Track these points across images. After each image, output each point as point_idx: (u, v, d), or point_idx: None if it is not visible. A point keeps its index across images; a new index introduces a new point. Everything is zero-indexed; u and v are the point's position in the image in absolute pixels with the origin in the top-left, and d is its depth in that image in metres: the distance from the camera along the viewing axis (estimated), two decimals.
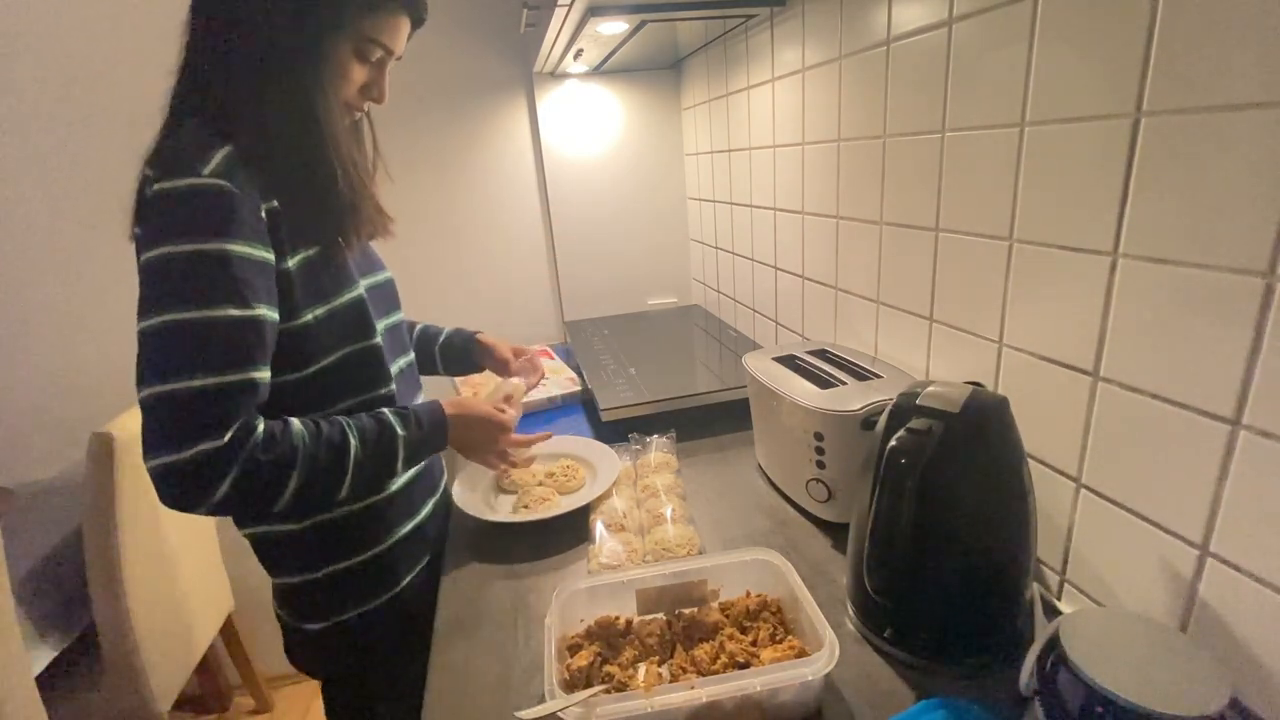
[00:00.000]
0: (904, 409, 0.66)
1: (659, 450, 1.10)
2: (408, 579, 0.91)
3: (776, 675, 0.59)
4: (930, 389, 0.65)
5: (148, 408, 0.62)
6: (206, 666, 1.85)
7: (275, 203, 0.72)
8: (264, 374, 0.68)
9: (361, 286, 0.82)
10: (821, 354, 1.03)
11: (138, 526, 1.36)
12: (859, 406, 0.83)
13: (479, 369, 1.18)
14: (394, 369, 0.87)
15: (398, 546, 0.89)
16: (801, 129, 1.17)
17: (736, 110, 1.46)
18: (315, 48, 0.72)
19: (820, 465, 0.88)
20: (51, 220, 1.64)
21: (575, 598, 0.71)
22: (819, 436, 0.86)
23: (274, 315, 0.70)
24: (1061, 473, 0.70)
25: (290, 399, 0.75)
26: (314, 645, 0.88)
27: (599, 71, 1.75)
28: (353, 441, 0.73)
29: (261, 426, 0.67)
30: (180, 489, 0.62)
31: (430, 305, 1.88)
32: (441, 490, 1.02)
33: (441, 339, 1.15)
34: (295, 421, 0.71)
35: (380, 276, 0.91)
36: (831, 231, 1.11)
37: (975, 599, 0.65)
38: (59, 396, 1.75)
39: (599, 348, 1.59)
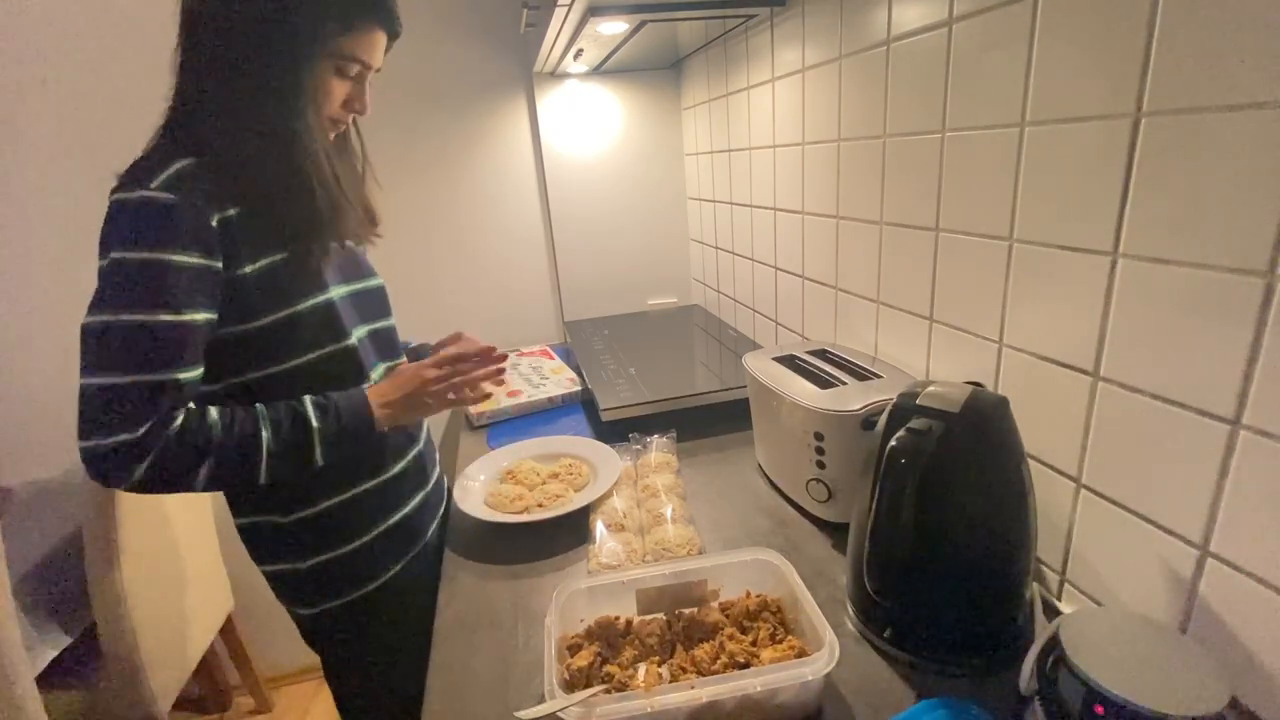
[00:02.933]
0: (904, 409, 0.66)
1: (659, 450, 1.10)
2: (394, 570, 0.93)
3: (776, 675, 0.59)
4: (930, 389, 0.66)
5: (82, 396, 0.69)
6: (206, 666, 1.85)
7: (232, 211, 0.74)
8: (189, 373, 0.73)
9: (333, 292, 0.84)
10: (821, 354, 1.03)
11: (138, 526, 1.36)
12: (859, 406, 0.83)
13: None
14: (377, 372, 0.91)
15: (380, 539, 0.91)
16: (801, 129, 1.17)
17: (736, 110, 1.46)
18: (295, 69, 0.75)
19: (820, 465, 0.88)
20: (51, 221, 1.64)
21: (575, 598, 0.71)
22: (819, 436, 0.86)
23: (209, 317, 0.74)
24: (1061, 473, 0.70)
25: (268, 396, 0.80)
26: (308, 630, 0.95)
27: (599, 71, 1.75)
28: (265, 434, 0.76)
29: (180, 419, 0.72)
30: (101, 470, 0.70)
31: (430, 305, 1.88)
32: (434, 483, 1.03)
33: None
34: (212, 412, 0.75)
35: (368, 283, 0.94)
36: (831, 231, 1.11)
37: (975, 599, 0.65)
38: (59, 396, 1.75)
39: (599, 348, 1.59)
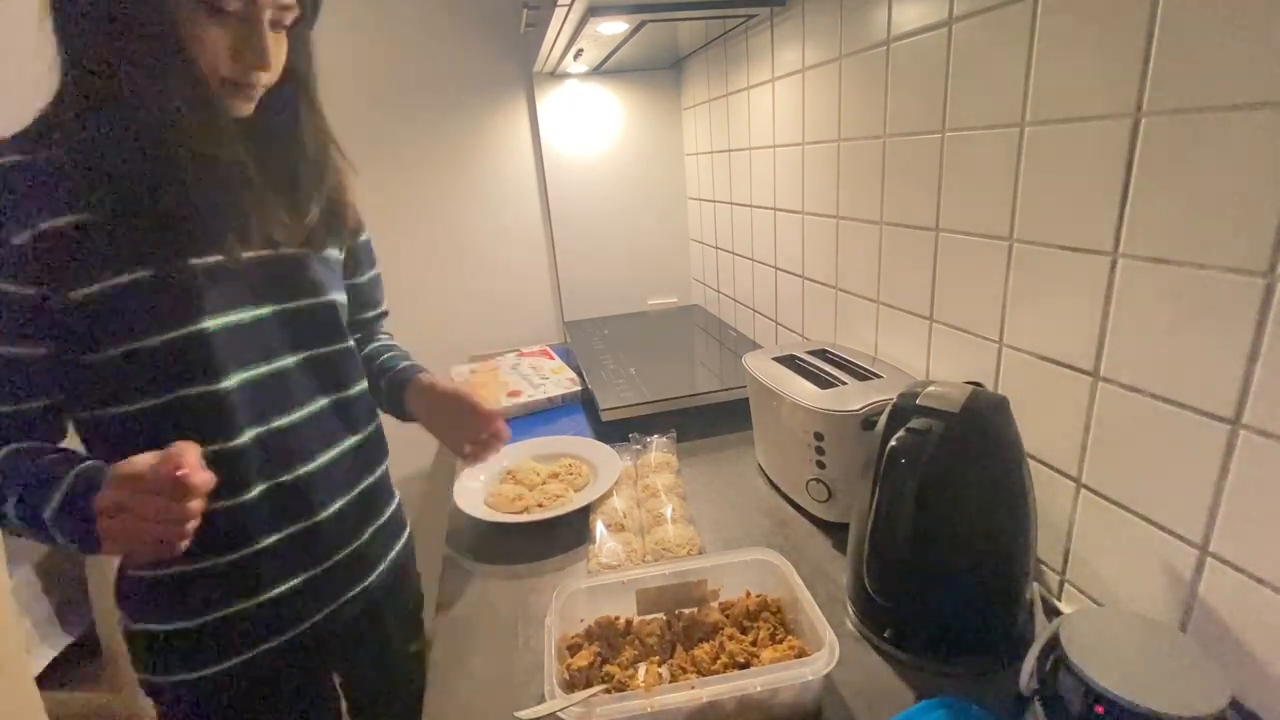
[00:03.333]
0: (904, 409, 0.66)
1: (659, 450, 1.10)
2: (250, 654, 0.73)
3: (776, 675, 0.59)
4: (930, 389, 0.66)
5: None
6: None
7: (64, 221, 0.59)
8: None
9: (222, 318, 0.66)
10: (821, 354, 1.03)
11: None
12: (859, 406, 0.83)
13: (408, 417, 0.92)
14: (262, 427, 0.70)
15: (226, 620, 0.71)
16: (801, 129, 1.17)
17: (736, 110, 1.46)
18: (148, 16, 0.58)
19: (820, 465, 0.88)
20: None
21: (575, 598, 0.71)
22: (819, 436, 0.86)
23: (18, 352, 0.60)
24: (1061, 473, 0.70)
25: (122, 438, 0.64)
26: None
27: (599, 71, 1.75)
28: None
29: None
30: None
31: (430, 305, 1.88)
32: (327, 565, 0.77)
33: (383, 380, 0.92)
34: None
35: (306, 301, 0.75)
36: (831, 231, 1.11)
37: (975, 599, 0.65)
38: None
39: (599, 348, 1.59)
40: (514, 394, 1.44)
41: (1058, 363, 0.69)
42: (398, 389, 0.90)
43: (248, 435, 0.68)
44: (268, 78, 0.67)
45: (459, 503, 1.01)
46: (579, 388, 1.46)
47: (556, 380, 1.51)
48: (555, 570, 0.89)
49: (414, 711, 0.68)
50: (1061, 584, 0.73)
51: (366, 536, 0.82)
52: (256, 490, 0.70)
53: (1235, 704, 0.54)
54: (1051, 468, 0.71)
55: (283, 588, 0.74)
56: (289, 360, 0.73)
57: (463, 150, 1.80)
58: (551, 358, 1.67)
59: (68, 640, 1.36)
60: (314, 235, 0.76)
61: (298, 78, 0.72)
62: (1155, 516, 0.61)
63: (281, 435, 0.72)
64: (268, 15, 0.63)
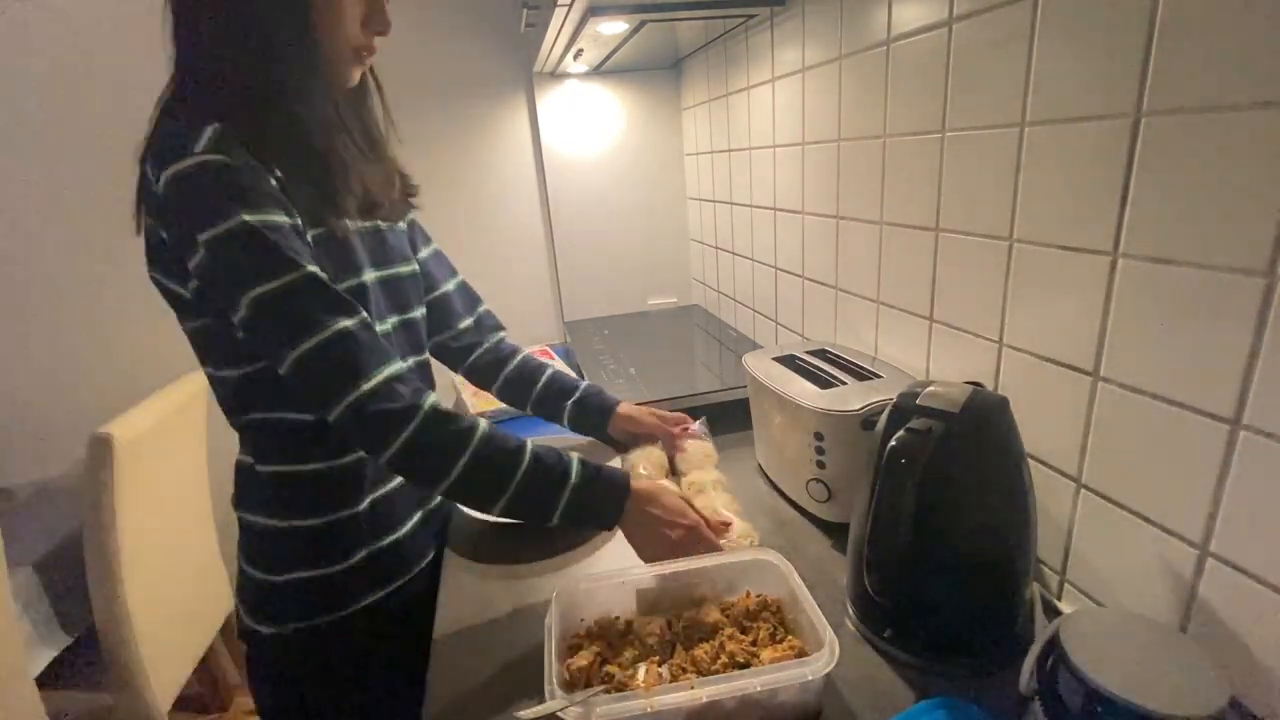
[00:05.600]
0: (904, 409, 0.66)
1: (695, 441, 1.05)
2: (368, 599, 0.82)
3: (776, 675, 0.59)
4: (930, 389, 0.65)
5: (305, 363, 0.65)
6: (206, 666, 1.85)
7: (279, 172, 0.68)
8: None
9: (367, 275, 0.76)
10: (821, 354, 1.03)
11: (137, 526, 1.36)
12: (859, 406, 0.83)
13: (606, 439, 1.07)
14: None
15: (362, 566, 0.80)
16: (801, 129, 1.17)
17: (736, 110, 1.46)
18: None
19: (820, 465, 0.88)
20: (51, 221, 1.64)
21: (575, 598, 0.71)
22: (819, 436, 0.86)
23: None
24: (1061, 473, 0.70)
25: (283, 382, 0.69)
26: (263, 656, 0.83)
27: (599, 71, 1.75)
28: (526, 458, 0.71)
29: (432, 397, 0.70)
30: (366, 431, 0.66)
31: None
32: (435, 501, 0.93)
33: (576, 394, 1.07)
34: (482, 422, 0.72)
35: (398, 270, 0.84)
36: (831, 231, 1.11)
37: (975, 599, 0.65)
38: (59, 396, 1.75)
39: (599, 348, 1.59)
40: None
41: (1058, 363, 0.69)
42: (599, 412, 1.05)
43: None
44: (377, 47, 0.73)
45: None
46: None
47: None
48: (555, 570, 0.89)
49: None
50: (1061, 584, 0.73)
51: (434, 502, 0.92)
52: None
53: (1235, 704, 0.54)
54: (1051, 468, 0.71)
55: (403, 530, 0.84)
56: (391, 322, 0.82)
57: (463, 150, 1.80)
58: (551, 358, 1.67)
59: (68, 640, 1.36)
60: (395, 206, 0.84)
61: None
62: (1155, 516, 0.61)
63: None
64: None
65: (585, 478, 0.74)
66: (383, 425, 0.66)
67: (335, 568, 0.79)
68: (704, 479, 0.99)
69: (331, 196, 0.71)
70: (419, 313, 0.89)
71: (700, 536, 0.77)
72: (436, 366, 1.72)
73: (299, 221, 0.68)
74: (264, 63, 0.66)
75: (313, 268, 0.66)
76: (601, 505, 0.75)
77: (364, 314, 0.68)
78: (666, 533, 0.75)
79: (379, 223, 0.83)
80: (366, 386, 0.65)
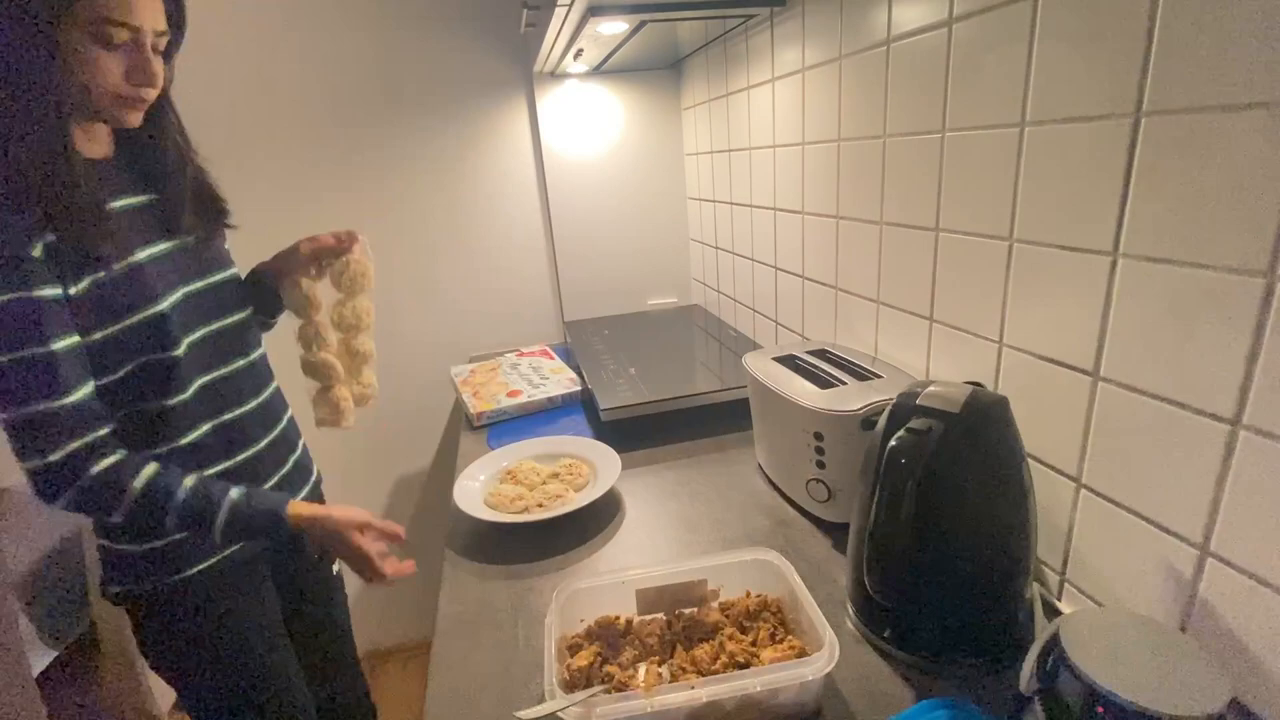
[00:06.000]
0: (904, 409, 0.66)
1: (358, 253, 1.00)
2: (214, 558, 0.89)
3: (776, 675, 0.59)
4: (930, 389, 0.66)
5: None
6: None
7: (52, 237, 0.71)
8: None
9: (170, 297, 0.81)
10: (821, 354, 1.03)
11: None
12: (859, 406, 0.83)
13: (279, 300, 1.03)
14: (202, 379, 0.86)
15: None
16: (801, 129, 1.17)
17: (736, 110, 1.46)
18: (36, 44, 0.68)
19: (820, 465, 0.88)
20: None
21: (575, 598, 0.71)
22: (819, 436, 0.86)
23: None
24: (1061, 473, 0.70)
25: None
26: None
27: (599, 71, 1.75)
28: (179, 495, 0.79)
29: (107, 460, 0.76)
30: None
31: (430, 305, 1.88)
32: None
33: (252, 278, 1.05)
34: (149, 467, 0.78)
35: (215, 277, 0.89)
36: (831, 231, 1.11)
37: (975, 599, 0.65)
38: None
39: (599, 348, 1.59)
40: (514, 394, 1.44)
41: (1058, 363, 0.69)
42: (257, 277, 1.02)
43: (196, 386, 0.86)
44: (154, 95, 0.79)
45: (459, 503, 1.01)
46: (579, 388, 1.46)
47: (556, 380, 1.51)
48: (555, 570, 0.89)
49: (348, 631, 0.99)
50: (1061, 584, 0.73)
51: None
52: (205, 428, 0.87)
53: (1235, 704, 0.54)
54: (1051, 468, 0.71)
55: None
56: (211, 328, 0.88)
57: (463, 150, 1.80)
58: (551, 358, 1.67)
59: (68, 640, 1.36)
60: (197, 227, 0.89)
61: (165, 91, 0.84)
62: (1155, 516, 0.61)
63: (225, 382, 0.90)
64: (150, 42, 0.75)
65: (244, 496, 0.82)
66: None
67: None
68: (360, 309, 1.02)
69: (84, 242, 0.74)
70: (241, 315, 0.94)
71: (362, 569, 0.87)
72: (439, 366, 1.73)
73: (34, 293, 0.70)
74: (11, 102, 0.69)
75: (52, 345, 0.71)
76: (263, 521, 0.83)
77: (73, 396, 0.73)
78: (342, 550, 0.87)
79: (188, 239, 0.87)
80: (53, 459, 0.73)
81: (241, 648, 0.91)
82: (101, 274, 0.75)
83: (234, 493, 0.82)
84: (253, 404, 0.93)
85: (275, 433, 0.96)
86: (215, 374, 0.88)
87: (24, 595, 1.30)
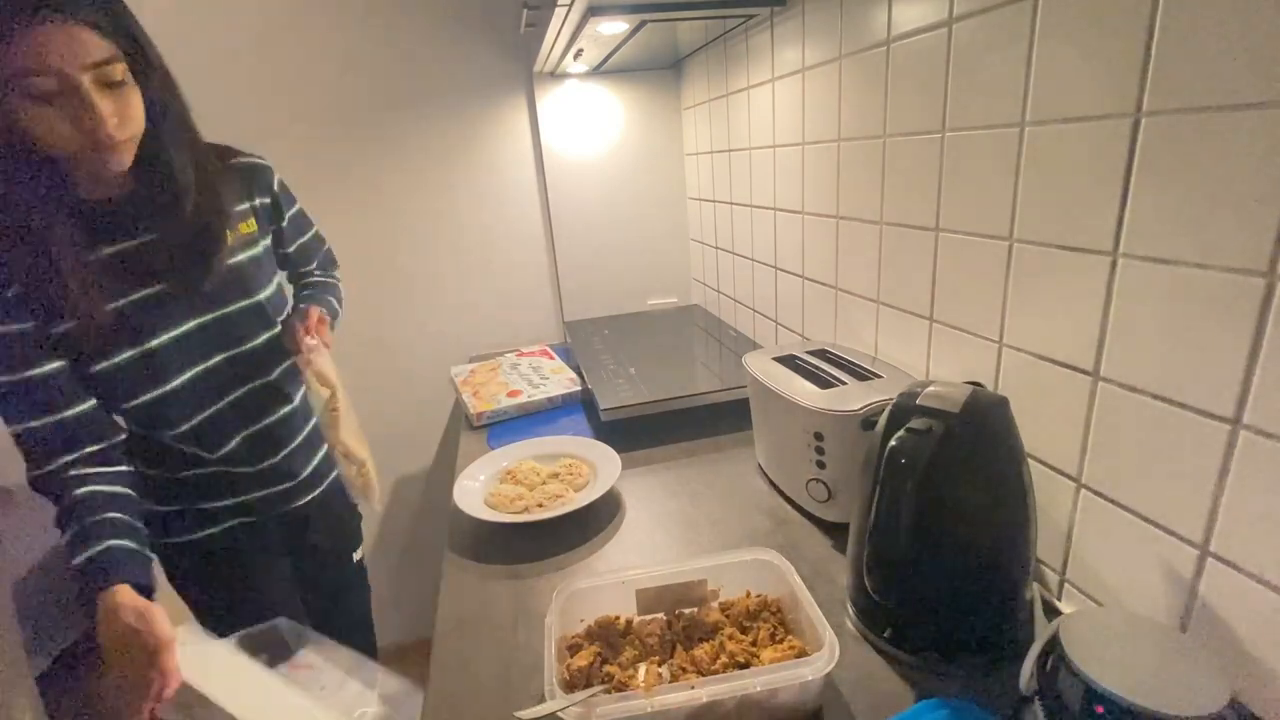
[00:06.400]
0: (904, 409, 0.66)
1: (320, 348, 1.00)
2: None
3: (776, 675, 0.59)
4: (930, 389, 0.65)
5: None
6: None
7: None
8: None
9: (155, 340, 0.83)
10: (821, 354, 1.03)
11: None
12: (859, 406, 0.83)
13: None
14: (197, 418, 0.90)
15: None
16: (801, 129, 1.17)
17: (736, 110, 1.46)
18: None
19: (820, 465, 0.88)
20: None
21: (575, 598, 0.71)
22: (819, 436, 0.86)
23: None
24: (1061, 473, 0.70)
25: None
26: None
27: (599, 71, 1.75)
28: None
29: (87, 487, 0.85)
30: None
31: (430, 305, 1.88)
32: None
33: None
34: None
35: (228, 309, 0.89)
36: (831, 231, 1.11)
37: (975, 599, 0.65)
38: None
39: (599, 348, 1.59)
40: (514, 394, 1.44)
41: (1058, 363, 0.69)
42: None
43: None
44: (128, 131, 0.71)
45: (459, 503, 1.01)
46: (579, 388, 1.46)
47: (556, 380, 1.51)
48: (555, 570, 0.89)
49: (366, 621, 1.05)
50: (1061, 584, 0.73)
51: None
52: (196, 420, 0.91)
53: (1235, 704, 0.54)
54: (1051, 468, 0.71)
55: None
56: (214, 360, 0.91)
57: (463, 150, 1.80)
58: (551, 358, 1.67)
59: (68, 640, 1.36)
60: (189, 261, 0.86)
61: (154, 118, 0.76)
62: (1155, 516, 0.61)
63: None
64: (87, 81, 0.65)
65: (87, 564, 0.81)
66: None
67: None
68: (340, 395, 1.01)
69: (56, 297, 0.75)
70: (254, 343, 0.94)
71: (133, 699, 0.76)
72: (439, 366, 1.73)
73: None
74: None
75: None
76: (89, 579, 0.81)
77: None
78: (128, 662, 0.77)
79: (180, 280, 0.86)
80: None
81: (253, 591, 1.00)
82: (80, 320, 0.77)
83: (103, 545, 0.80)
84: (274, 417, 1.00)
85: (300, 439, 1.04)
86: (230, 397, 0.93)
87: (24, 595, 1.30)
